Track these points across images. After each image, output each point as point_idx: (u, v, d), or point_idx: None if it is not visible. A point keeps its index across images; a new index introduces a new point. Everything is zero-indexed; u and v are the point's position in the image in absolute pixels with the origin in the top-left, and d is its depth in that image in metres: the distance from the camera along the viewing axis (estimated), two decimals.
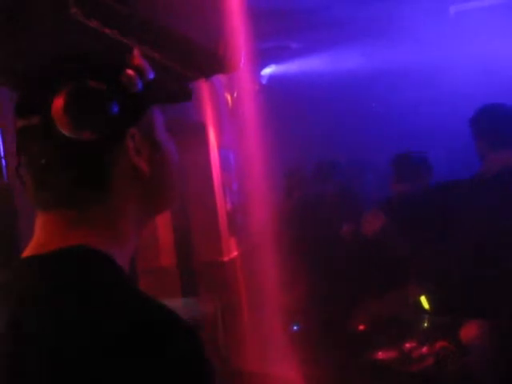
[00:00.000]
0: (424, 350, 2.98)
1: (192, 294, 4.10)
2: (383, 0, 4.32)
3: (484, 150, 3.18)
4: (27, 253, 1.01)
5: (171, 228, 4.44)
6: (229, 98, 4.91)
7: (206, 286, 4.26)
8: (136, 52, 1.03)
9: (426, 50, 5.06)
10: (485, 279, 2.82)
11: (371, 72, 5.26)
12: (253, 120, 4.31)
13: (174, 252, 4.40)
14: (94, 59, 1.03)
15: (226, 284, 4.31)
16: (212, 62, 2.14)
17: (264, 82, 5.50)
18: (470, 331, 2.88)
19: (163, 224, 4.45)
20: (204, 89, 4.49)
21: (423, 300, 3.18)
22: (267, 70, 5.51)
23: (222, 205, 4.52)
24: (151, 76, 1.04)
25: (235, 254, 4.60)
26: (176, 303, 3.30)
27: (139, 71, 1.01)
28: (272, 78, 5.54)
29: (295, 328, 3.88)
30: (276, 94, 5.20)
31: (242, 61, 2.33)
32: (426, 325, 3.09)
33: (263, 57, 5.07)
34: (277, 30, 4.72)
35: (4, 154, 2.58)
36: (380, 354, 3.10)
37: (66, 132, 0.95)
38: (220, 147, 4.60)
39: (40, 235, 1.01)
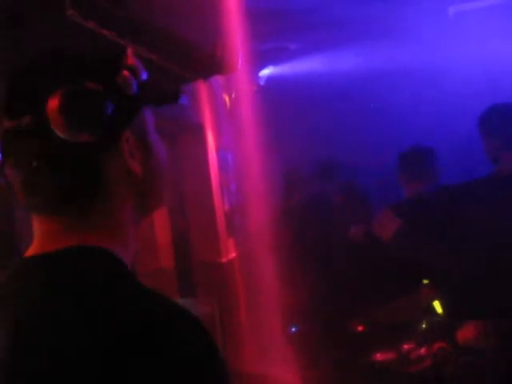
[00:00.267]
0: (422, 351, 2.98)
1: (190, 295, 4.10)
2: (382, 1, 4.32)
3: (496, 149, 3.16)
4: (27, 254, 1.00)
5: (169, 229, 4.43)
6: (227, 99, 4.91)
7: (204, 287, 4.25)
8: (129, 52, 1.03)
9: (426, 50, 5.06)
10: (502, 281, 2.80)
11: (370, 73, 5.26)
12: (251, 121, 4.31)
13: (172, 253, 4.39)
14: (88, 59, 1.02)
15: (224, 285, 4.31)
16: (210, 63, 2.14)
17: (262, 83, 5.49)
18: (467, 332, 2.88)
19: (161, 225, 4.44)
20: (202, 90, 4.49)
21: (436, 304, 3.13)
22: (265, 71, 5.51)
23: (220, 206, 4.52)
24: (145, 76, 1.03)
25: (233, 255, 4.60)
26: None
27: (133, 71, 1.01)
28: (270, 79, 5.53)
29: (293, 329, 3.87)
30: (274, 95, 5.19)
31: (240, 62, 2.33)
32: (424, 326, 3.09)
33: (261, 58, 5.07)
34: (275, 31, 4.71)
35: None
36: (378, 356, 3.10)
37: (61, 133, 0.92)
38: (218, 148, 4.60)
39: (38, 237, 1.01)
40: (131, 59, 1.02)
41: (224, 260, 4.42)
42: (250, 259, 4.24)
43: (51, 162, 0.95)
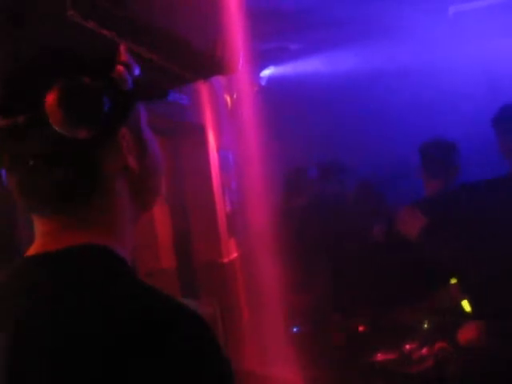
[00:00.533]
0: (424, 351, 2.97)
1: (192, 296, 4.10)
2: (383, 0, 4.32)
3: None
4: (30, 253, 1.00)
5: (170, 229, 4.44)
6: (228, 99, 4.91)
7: (205, 288, 4.25)
8: (122, 48, 1.03)
9: (426, 50, 5.06)
10: None
11: (371, 72, 5.26)
12: (252, 121, 4.31)
13: (174, 254, 4.39)
14: (83, 56, 1.01)
15: (225, 285, 4.31)
16: (210, 63, 2.14)
17: (263, 83, 5.49)
18: (468, 332, 2.88)
19: (162, 225, 4.45)
20: (203, 90, 4.49)
21: (465, 304, 3.07)
22: (266, 72, 5.51)
23: (222, 206, 4.52)
24: (137, 72, 1.03)
25: (235, 255, 4.60)
26: None
27: (127, 67, 1.00)
28: (271, 79, 5.53)
29: (295, 329, 3.87)
30: (275, 95, 5.19)
31: (241, 62, 2.33)
32: (426, 326, 3.08)
33: (262, 58, 5.06)
34: (276, 32, 4.71)
35: None
36: (380, 356, 3.10)
37: (59, 128, 0.92)
38: (219, 148, 4.60)
39: (38, 237, 1.01)
40: (124, 55, 1.02)
41: (225, 260, 4.42)
42: (252, 259, 4.23)
43: (48, 160, 0.95)
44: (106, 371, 0.83)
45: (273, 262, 3.84)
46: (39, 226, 1.01)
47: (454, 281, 3.12)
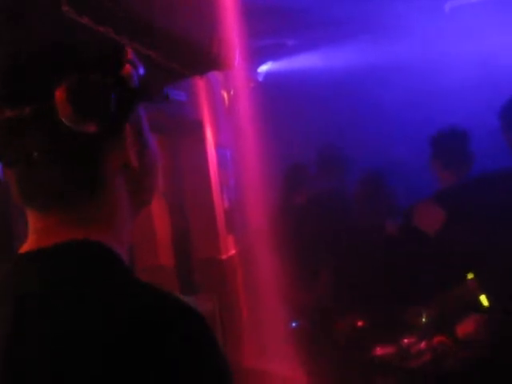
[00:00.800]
0: (422, 345, 2.98)
1: (190, 292, 4.10)
2: None
3: None
4: (24, 250, 0.99)
5: (169, 226, 4.44)
6: (225, 95, 4.91)
7: (204, 284, 4.26)
8: (128, 48, 1.04)
9: (422, 46, 5.06)
10: None
11: (368, 69, 5.26)
12: (249, 117, 4.31)
13: (172, 250, 4.40)
14: (91, 52, 1.01)
15: (224, 282, 4.31)
16: (207, 59, 2.14)
17: (260, 79, 5.49)
18: (467, 326, 2.88)
19: (161, 223, 4.45)
20: (200, 87, 4.50)
21: (483, 298, 2.99)
22: (263, 68, 5.50)
23: (220, 203, 4.52)
24: (142, 72, 1.04)
25: (233, 251, 4.60)
26: None
27: (134, 66, 1.02)
28: (268, 75, 5.53)
29: (294, 325, 3.87)
30: (273, 91, 5.19)
31: (237, 58, 2.33)
32: (424, 320, 3.08)
33: (259, 54, 5.06)
34: (273, 28, 4.71)
35: None
36: (378, 350, 3.10)
37: (68, 123, 0.91)
38: (217, 145, 4.60)
39: (33, 232, 1.00)
40: (131, 54, 1.03)
41: (224, 257, 4.43)
42: (250, 256, 4.24)
43: (53, 154, 0.94)
44: (106, 369, 0.83)
45: (271, 258, 3.84)
46: (34, 222, 1.00)
47: (471, 276, 3.03)
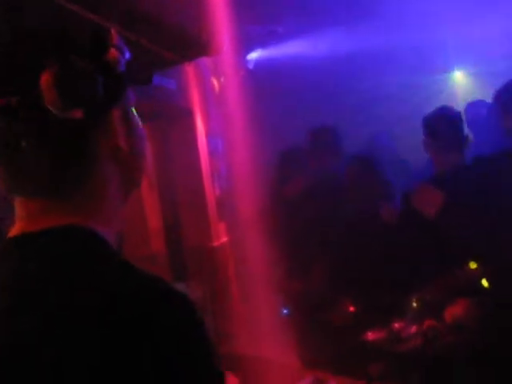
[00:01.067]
0: (413, 329, 3.00)
1: (182, 280, 4.10)
2: None
3: None
4: (11, 235, 0.99)
5: (160, 215, 4.43)
6: (216, 83, 4.89)
7: (195, 272, 4.26)
8: (114, 32, 1.03)
9: (413, 31, 5.05)
10: None
11: (359, 54, 5.25)
12: (240, 105, 4.29)
13: (164, 238, 4.40)
14: (76, 38, 1.01)
15: (215, 269, 4.32)
16: (195, 45, 2.14)
17: (251, 66, 5.47)
18: (456, 309, 2.90)
19: (152, 211, 4.45)
20: (191, 75, 4.48)
21: (484, 282, 2.99)
22: (254, 55, 5.48)
23: (211, 190, 4.52)
24: (128, 56, 1.04)
25: (225, 239, 4.60)
26: None
27: (120, 50, 1.01)
28: (259, 62, 5.51)
29: (285, 312, 3.88)
30: (263, 78, 5.18)
31: (226, 44, 2.32)
32: (415, 304, 3.10)
33: (249, 41, 5.04)
34: (263, 15, 4.69)
35: None
36: (370, 335, 3.11)
37: (54, 109, 0.91)
38: (208, 133, 4.59)
39: (23, 219, 1.00)
40: (116, 39, 1.02)
41: (215, 244, 4.43)
42: (242, 244, 4.24)
43: (41, 141, 0.94)
44: (102, 356, 0.83)
45: (263, 248, 3.83)
46: (22, 210, 1.00)
47: (473, 265, 3.01)
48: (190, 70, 4.39)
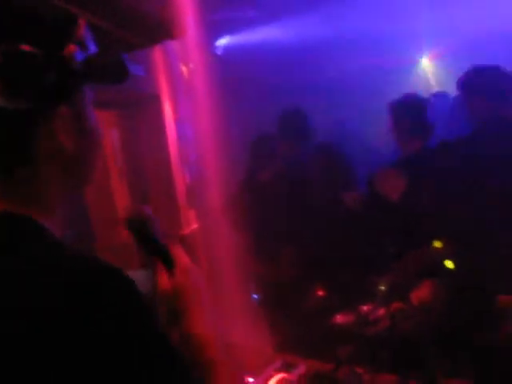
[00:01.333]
0: (380, 312, 3.02)
1: (151, 268, 4.08)
2: None
3: (482, 106, 3.17)
4: None
5: (129, 203, 4.41)
6: (184, 69, 4.86)
7: None
8: (81, 23, 0.99)
9: (383, 17, 5.07)
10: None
11: (329, 39, 5.25)
12: (209, 91, 4.28)
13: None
14: (36, 24, 0.95)
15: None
16: (158, 27, 2.11)
17: (219, 52, 5.45)
18: (422, 292, 2.93)
19: (121, 199, 4.42)
20: (159, 60, 4.45)
21: (448, 262, 3.06)
22: (223, 41, 5.46)
23: (180, 178, 4.50)
24: (93, 50, 1.00)
25: (195, 226, 4.59)
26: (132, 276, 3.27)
27: (82, 45, 0.97)
28: (228, 48, 5.49)
29: (255, 297, 3.89)
30: (232, 64, 5.16)
31: (190, 27, 2.31)
32: (383, 287, 3.13)
33: (217, 27, 5.02)
34: (231, 0, 4.68)
35: None
36: (338, 318, 3.13)
37: None
38: (176, 119, 4.56)
39: None
40: (81, 31, 0.99)
41: (185, 232, 4.41)
42: (212, 231, 4.23)
43: None
44: (35, 342, 0.81)
45: (233, 233, 3.84)
46: None
47: (438, 244, 3.08)
48: (158, 56, 4.36)
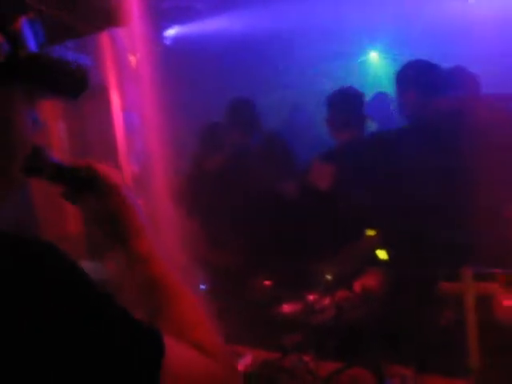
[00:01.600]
0: (326, 301, 3.06)
1: (99, 259, 4.03)
2: None
3: (415, 100, 3.23)
4: None
5: None
6: (132, 59, 4.79)
7: (114, 251, 4.19)
8: (24, 18, 0.94)
9: (330, 9, 5.11)
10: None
11: (277, 31, 5.26)
12: (157, 81, 4.24)
13: (80, 218, 4.30)
14: None
15: None
16: (103, 14, 2.08)
17: (168, 42, 5.40)
18: (367, 280, 2.99)
19: None
20: (106, 50, 4.37)
21: (380, 252, 3.13)
22: (171, 31, 5.41)
23: (127, 167, 4.45)
24: (32, 48, 0.95)
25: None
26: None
27: (15, 40, 0.92)
28: (176, 39, 5.44)
29: (202, 287, 3.89)
30: (181, 54, 5.12)
31: (135, 15, 2.28)
32: (329, 277, 3.17)
33: (167, 17, 4.98)
34: None
35: None
36: (285, 307, 3.16)
37: None
38: (124, 108, 4.50)
39: None
40: (19, 25, 0.94)
41: None
42: (159, 221, 4.20)
43: None
44: None
45: (181, 223, 3.82)
46: None
47: (371, 233, 3.16)
48: (105, 45, 4.29)
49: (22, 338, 0.80)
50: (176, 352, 0.98)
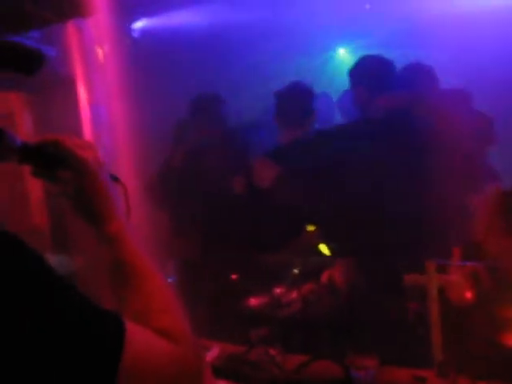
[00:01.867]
0: (293, 294, 3.08)
1: (65, 252, 4.00)
2: None
3: (365, 96, 3.25)
4: None
5: (41, 188, 4.28)
6: (100, 51, 4.75)
7: (79, 244, 4.16)
8: None
9: (291, 8, 5.11)
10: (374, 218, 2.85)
11: (246, 23, 5.24)
12: (124, 74, 4.21)
13: (46, 210, 4.26)
14: None
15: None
16: (67, 2, 2.06)
17: (136, 35, 5.35)
18: (334, 272, 3.01)
19: (33, 184, 4.29)
20: (72, 42, 4.32)
21: (322, 247, 3.16)
22: (139, 24, 5.37)
23: None
24: None
25: None
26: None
27: None
28: (144, 31, 5.40)
29: (170, 280, 3.88)
30: (149, 47, 5.09)
31: (101, 5, 2.26)
32: (296, 270, 3.19)
33: (134, 9, 4.93)
34: None
35: None
36: (252, 301, 3.17)
37: None
38: (90, 101, 4.46)
39: None
40: None
41: None
42: (126, 214, 4.17)
43: None
44: None
45: (148, 218, 3.80)
46: None
47: (311, 228, 3.21)
48: (71, 37, 4.24)
49: None
50: (137, 337, 0.98)
